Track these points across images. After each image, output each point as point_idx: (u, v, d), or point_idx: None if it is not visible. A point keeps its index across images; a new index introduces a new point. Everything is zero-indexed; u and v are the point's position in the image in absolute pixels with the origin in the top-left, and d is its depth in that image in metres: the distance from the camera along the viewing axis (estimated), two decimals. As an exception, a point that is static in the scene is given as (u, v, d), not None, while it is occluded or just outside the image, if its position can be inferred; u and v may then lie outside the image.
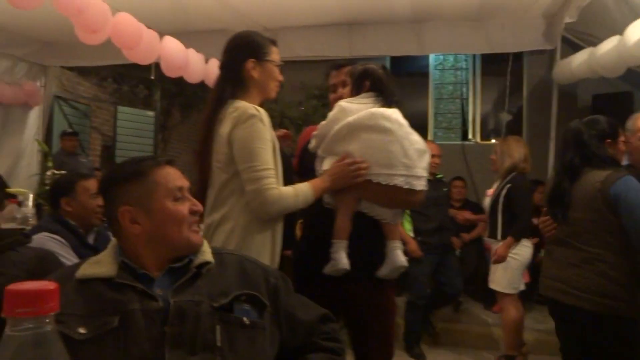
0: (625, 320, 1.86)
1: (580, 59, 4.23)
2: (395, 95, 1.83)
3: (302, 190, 1.60)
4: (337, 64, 2.08)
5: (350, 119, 1.73)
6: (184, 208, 1.10)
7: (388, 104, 1.79)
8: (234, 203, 1.57)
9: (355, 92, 1.84)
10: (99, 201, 2.19)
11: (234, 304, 1.06)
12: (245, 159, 1.53)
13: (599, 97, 4.79)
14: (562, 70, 4.71)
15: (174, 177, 1.12)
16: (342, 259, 1.70)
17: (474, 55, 6.08)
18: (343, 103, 1.80)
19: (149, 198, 1.08)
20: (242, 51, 1.71)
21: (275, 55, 1.77)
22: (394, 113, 1.74)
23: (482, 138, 6.16)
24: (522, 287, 3.28)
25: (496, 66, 5.71)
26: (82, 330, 0.96)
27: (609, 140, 2.02)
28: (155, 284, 1.06)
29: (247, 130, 1.54)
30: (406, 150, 1.69)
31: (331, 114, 1.81)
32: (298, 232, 2.09)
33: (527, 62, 5.61)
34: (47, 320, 0.57)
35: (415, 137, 1.75)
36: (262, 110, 1.59)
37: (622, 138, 2.07)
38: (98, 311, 0.99)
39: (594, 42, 4.26)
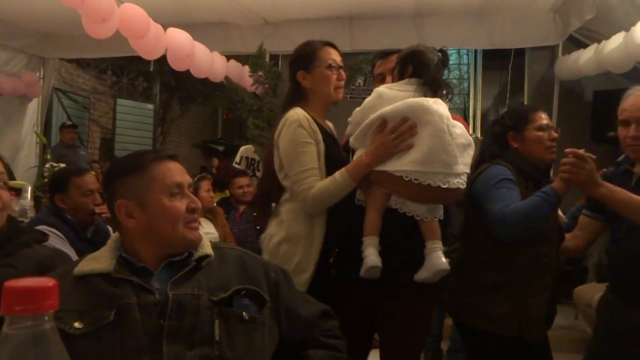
0: (479, 333, 1.69)
1: (586, 55, 4.22)
2: (442, 83, 1.64)
3: (336, 177, 1.61)
4: (384, 52, 1.94)
5: (386, 108, 1.58)
6: (181, 205, 1.09)
7: (432, 93, 1.61)
8: (284, 200, 1.73)
9: (399, 76, 1.66)
10: (93, 199, 2.19)
11: (233, 299, 1.06)
12: (288, 163, 1.66)
13: (600, 93, 4.77)
14: (564, 67, 4.70)
15: (173, 172, 1.10)
16: (371, 256, 1.55)
17: (475, 51, 6.06)
18: (381, 89, 1.64)
19: (145, 192, 1.07)
20: (293, 65, 1.79)
21: (325, 57, 1.76)
22: (435, 103, 1.56)
23: (483, 133, 6.15)
24: None
25: (497, 62, 5.69)
26: (78, 325, 0.96)
27: (511, 133, 1.77)
28: (154, 277, 1.05)
29: (288, 136, 1.65)
30: (446, 145, 1.52)
31: (367, 100, 1.64)
32: None
33: (529, 58, 5.59)
34: (46, 318, 0.56)
35: (458, 130, 1.56)
36: (303, 116, 1.66)
37: (532, 126, 1.77)
38: (94, 306, 0.99)
39: (597, 38, 4.24)
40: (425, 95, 1.59)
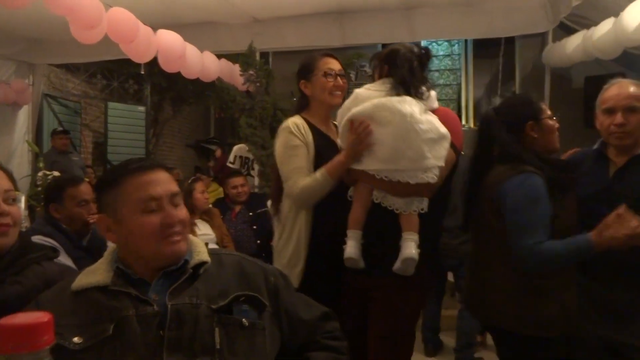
0: (520, 338, 1.62)
1: (574, 42, 4.22)
2: (415, 82, 1.67)
3: (316, 175, 1.75)
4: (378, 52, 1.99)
5: (355, 109, 1.66)
6: (155, 219, 1.04)
7: (406, 92, 1.65)
8: (283, 200, 1.91)
9: (378, 77, 1.74)
10: (88, 209, 2.18)
11: (232, 305, 1.05)
12: (280, 165, 1.87)
13: (591, 79, 4.78)
14: (554, 54, 4.70)
15: (145, 186, 1.06)
16: (349, 248, 1.66)
17: (466, 41, 6.05)
18: (358, 90, 1.72)
19: (119, 207, 1.06)
20: (297, 76, 1.96)
21: (322, 66, 1.89)
22: (400, 102, 1.61)
23: (475, 124, 6.15)
24: None
25: (488, 51, 5.69)
26: (77, 340, 0.95)
27: (530, 123, 1.71)
28: (151, 288, 1.04)
29: (279, 141, 1.87)
30: (411, 142, 1.58)
31: (346, 102, 1.75)
32: None
33: (519, 45, 5.59)
34: (43, 354, 0.55)
35: (425, 125, 1.60)
36: (293, 122, 1.85)
37: (545, 115, 1.75)
38: (93, 320, 0.98)
39: (586, 24, 4.24)
40: (398, 94, 1.64)
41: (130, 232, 1.05)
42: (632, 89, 1.74)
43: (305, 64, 1.94)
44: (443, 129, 1.64)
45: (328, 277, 1.80)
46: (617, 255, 1.57)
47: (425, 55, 1.73)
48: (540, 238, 1.51)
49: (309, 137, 1.84)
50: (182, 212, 1.09)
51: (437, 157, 1.62)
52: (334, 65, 1.91)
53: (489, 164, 1.71)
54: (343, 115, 1.72)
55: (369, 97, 1.67)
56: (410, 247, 1.62)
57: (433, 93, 1.75)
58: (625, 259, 1.62)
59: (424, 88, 1.69)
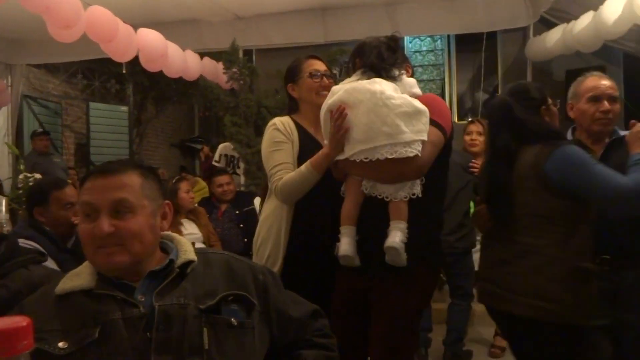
0: (567, 328, 1.56)
1: (554, 36, 4.27)
2: (386, 65, 1.65)
3: (301, 169, 1.75)
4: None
5: (330, 100, 1.66)
6: (88, 227, 1.01)
7: (377, 75, 1.64)
8: (267, 196, 1.92)
9: (353, 72, 1.73)
10: (73, 211, 2.15)
11: (221, 305, 1.04)
12: (265, 162, 1.88)
13: (572, 72, 4.84)
14: (535, 48, 4.76)
15: (89, 191, 1.02)
16: (343, 245, 1.63)
17: (448, 36, 6.09)
18: (334, 86, 1.72)
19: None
20: (285, 80, 1.99)
21: (308, 69, 1.92)
22: (370, 83, 1.59)
23: (459, 118, 6.19)
24: None
25: (471, 46, 5.73)
26: (62, 345, 0.93)
27: (544, 107, 1.73)
28: (137, 290, 1.02)
29: (265, 138, 1.89)
30: (384, 117, 1.54)
31: (326, 99, 1.72)
32: None
33: (501, 40, 5.64)
34: (22, 359, 0.53)
35: (397, 100, 1.55)
36: (279, 120, 1.88)
37: (550, 102, 1.78)
38: (78, 324, 0.96)
39: (566, 18, 4.30)
40: (369, 78, 1.64)
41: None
42: (609, 81, 1.88)
43: (291, 67, 1.97)
44: (419, 104, 1.58)
45: (307, 277, 1.74)
46: (622, 239, 1.67)
47: (392, 40, 1.71)
48: (619, 177, 1.52)
49: (295, 135, 1.85)
50: (124, 223, 1.00)
51: (415, 131, 1.55)
52: (319, 66, 1.93)
53: (517, 148, 1.67)
54: (323, 111, 1.72)
55: (341, 88, 1.67)
56: (394, 236, 1.57)
57: (412, 80, 1.71)
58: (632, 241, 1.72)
59: (395, 71, 1.66)
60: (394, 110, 1.55)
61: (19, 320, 0.54)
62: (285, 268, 1.77)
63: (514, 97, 1.73)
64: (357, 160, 1.60)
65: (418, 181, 1.62)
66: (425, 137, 1.56)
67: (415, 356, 3.01)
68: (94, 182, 1.03)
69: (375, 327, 1.67)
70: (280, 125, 1.85)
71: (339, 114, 1.60)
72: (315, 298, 1.55)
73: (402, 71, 1.68)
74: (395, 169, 1.57)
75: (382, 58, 1.66)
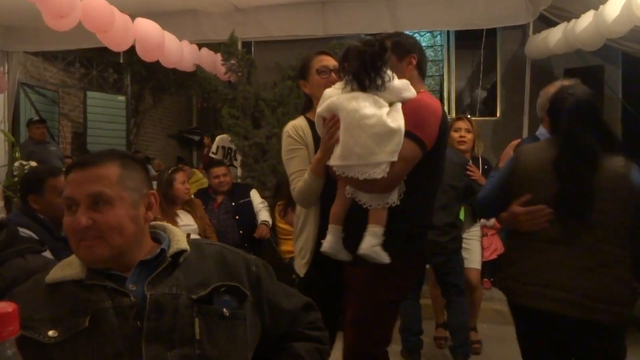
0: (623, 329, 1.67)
1: (556, 34, 4.27)
2: (374, 75, 1.65)
3: (305, 176, 1.84)
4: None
5: (319, 108, 1.75)
6: (69, 220, 1.01)
7: (360, 86, 1.66)
8: None
9: (343, 75, 1.74)
10: None
11: (213, 296, 1.04)
12: (285, 169, 1.97)
13: (570, 71, 4.85)
14: (535, 46, 4.75)
15: (69, 184, 1.02)
16: (325, 243, 1.75)
17: (448, 32, 6.07)
18: (327, 89, 1.77)
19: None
20: (298, 78, 2.07)
21: (316, 65, 1.96)
22: (348, 100, 1.64)
23: (457, 115, 6.19)
24: None
25: (470, 42, 5.72)
26: (52, 334, 0.94)
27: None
28: (128, 279, 1.02)
29: (282, 146, 1.97)
30: (356, 138, 1.60)
31: (318, 104, 1.81)
32: None
33: (501, 37, 5.63)
34: (8, 345, 0.53)
35: (371, 120, 1.59)
36: (292, 126, 1.95)
37: None
38: (68, 313, 0.97)
39: (567, 17, 4.29)
40: (353, 90, 1.67)
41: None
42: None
43: (302, 64, 2.04)
44: (393, 124, 1.60)
45: (331, 271, 1.84)
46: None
47: (379, 46, 1.69)
48: None
49: (309, 137, 1.91)
50: (102, 215, 1.00)
51: (387, 152, 1.60)
52: (328, 61, 1.96)
53: (600, 154, 1.64)
54: (316, 115, 1.81)
55: (331, 95, 1.72)
56: (365, 242, 1.66)
57: (401, 84, 1.69)
58: None
59: (379, 79, 1.65)
60: (367, 131, 1.60)
61: (4, 306, 0.54)
62: (313, 261, 1.89)
63: (595, 99, 1.73)
64: (337, 172, 1.70)
65: (396, 190, 1.68)
66: (392, 158, 1.60)
67: None
68: (74, 175, 1.03)
69: (347, 311, 1.81)
70: (293, 132, 1.92)
71: (333, 123, 1.69)
72: (339, 290, 1.83)
73: (388, 77, 1.66)
74: (365, 187, 1.66)
75: (366, 67, 1.65)
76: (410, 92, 1.70)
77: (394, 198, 1.67)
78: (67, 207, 1.01)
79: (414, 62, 1.80)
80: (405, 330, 3.01)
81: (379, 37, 1.76)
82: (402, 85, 1.69)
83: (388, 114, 1.62)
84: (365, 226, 1.69)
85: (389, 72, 1.67)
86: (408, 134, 1.62)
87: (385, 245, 1.66)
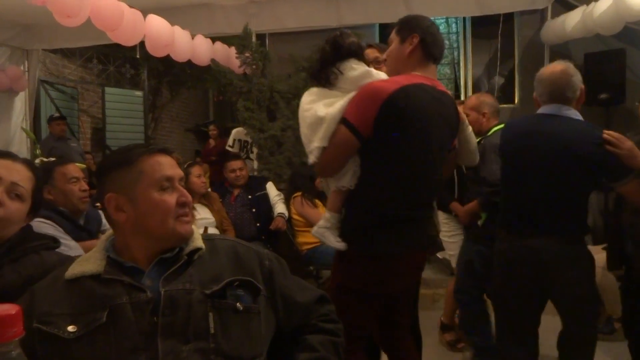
0: None
1: (574, 19, 4.17)
2: (328, 68, 1.77)
3: None
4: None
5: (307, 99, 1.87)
6: (170, 198, 1.07)
7: (317, 83, 1.82)
8: None
9: None
10: (80, 185, 2.19)
11: (226, 290, 1.05)
12: None
13: (591, 55, 4.73)
14: (552, 30, 4.65)
15: (163, 166, 1.09)
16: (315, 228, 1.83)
17: (464, 18, 5.98)
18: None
19: (134, 186, 1.07)
20: None
21: (370, 58, 2.06)
22: (304, 96, 1.82)
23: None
24: None
25: (487, 29, 5.62)
26: (71, 329, 0.96)
27: None
28: (145, 275, 1.05)
29: None
30: (300, 128, 1.79)
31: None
32: None
33: (518, 23, 5.52)
34: (12, 346, 0.55)
35: (308, 112, 1.75)
36: None
37: None
38: (87, 308, 0.99)
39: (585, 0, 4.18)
40: (312, 86, 1.84)
41: (147, 210, 1.06)
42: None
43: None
44: (321, 113, 1.71)
45: None
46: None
47: (330, 45, 1.79)
48: None
49: None
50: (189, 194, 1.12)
51: (318, 139, 1.71)
52: (371, 54, 2.09)
53: None
54: None
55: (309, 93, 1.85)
56: (317, 224, 1.80)
57: (360, 73, 1.74)
58: None
59: (329, 76, 1.77)
60: (305, 121, 1.77)
61: (8, 309, 0.55)
62: None
63: None
64: None
65: (347, 175, 1.73)
66: (322, 144, 1.70)
67: None
68: (164, 159, 1.12)
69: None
70: None
71: None
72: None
73: (335, 74, 1.76)
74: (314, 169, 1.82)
75: (321, 62, 1.81)
76: (368, 80, 1.73)
77: (344, 182, 1.73)
78: (163, 187, 1.08)
79: (416, 41, 1.75)
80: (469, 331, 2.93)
81: (337, 32, 1.84)
82: (359, 75, 1.75)
83: (332, 104, 1.72)
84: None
85: (346, 64, 1.76)
86: (341, 119, 1.68)
87: (341, 230, 1.76)
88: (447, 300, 3.23)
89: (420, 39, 1.75)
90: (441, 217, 3.01)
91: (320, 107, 1.73)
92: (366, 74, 1.74)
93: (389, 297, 1.86)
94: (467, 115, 2.80)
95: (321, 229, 1.77)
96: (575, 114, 2.04)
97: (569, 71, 2.05)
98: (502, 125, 2.74)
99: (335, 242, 1.74)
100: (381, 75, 1.78)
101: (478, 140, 2.76)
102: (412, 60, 1.76)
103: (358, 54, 1.80)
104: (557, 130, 1.98)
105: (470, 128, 1.99)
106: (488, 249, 2.76)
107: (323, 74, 1.78)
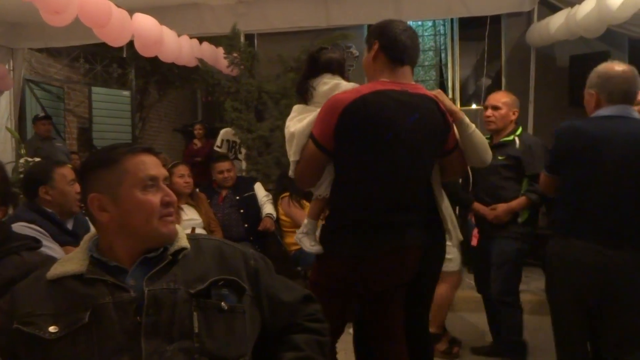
0: None
1: (557, 21, 4.22)
2: (306, 83, 1.90)
3: None
4: None
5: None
6: (154, 198, 1.06)
7: (301, 98, 1.93)
8: None
9: None
10: (77, 188, 2.17)
11: (211, 290, 1.05)
12: None
13: (576, 58, 4.78)
14: (537, 33, 4.70)
15: (147, 165, 1.08)
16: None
17: (452, 21, 6.02)
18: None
19: (118, 186, 1.06)
20: None
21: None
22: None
23: (462, 104, 6.15)
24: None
25: (474, 31, 5.66)
26: (53, 330, 0.95)
27: None
28: (129, 274, 1.04)
29: None
30: (286, 146, 1.90)
31: None
32: None
33: (505, 25, 5.56)
34: None
35: (286, 129, 1.86)
36: None
37: None
38: (69, 308, 0.98)
39: (571, 2, 4.24)
40: (297, 102, 1.95)
41: (130, 210, 1.05)
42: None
43: None
44: (292, 129, 1.83)
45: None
46: None
47: (307, 61, 1.94)
48: None
49: None
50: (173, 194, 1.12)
51: (291, 154, 1.83)
52: None
53: None
54: None
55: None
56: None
57: (329, 87, 1.85)
58: None
59: (307, 89, 1.89)
60: (286, 135, 1.88)
61: None
62: None
63: None
64: None
65: (324, 184, 1.83)
66: (294, 158, 1.82)
67: None
68: (148, 158, 1.11)
69: None
70: None
71: None
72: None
73: (309, 88, 1.89)
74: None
75: (301, 79, 1.95)
76: (336, 92, 1.79)
77: (320, 191, 1.85)
78: (147, 186, 1.06)
79: (376, 47, 1.77)
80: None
81: (317, 47, 1.97)
82: (329, 89, 1.85)
83: (303, 120, 1.82)
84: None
85: (319, 80, 1.88)
86: (310, 134, 1.77)
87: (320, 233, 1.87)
88: (437, 308, 2.95)
89: (380, 44, 1.77)
90: None
91: (293, 123, 1.84)
92: (335, 87, 1.82)
93: (367, 296, 1.88)
94: (496, 108, 2.79)
95: (300, 234, 1.89)
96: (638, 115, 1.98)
97: (635, 71, 1.98)
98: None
99: (309, 247, 1.85)
100: (349, 86, 1.83)
101: (507, 138, 2.75)
102: (377, 66, 1.78)
103: (332, 69, 1.89)
104: (633, 132, 1.88)
105: (473, 127, 1.89)
106: (528, 246, 2.80)
107: (303, 89, 1.91)
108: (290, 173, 1.86)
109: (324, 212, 1.94)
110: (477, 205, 2.85)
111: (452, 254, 2.97)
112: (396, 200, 1.75)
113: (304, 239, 1.87)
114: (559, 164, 2.06)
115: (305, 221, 1.90)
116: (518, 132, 2.80)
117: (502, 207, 2.75)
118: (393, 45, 1.75)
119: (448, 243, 2.98)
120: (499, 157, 2.74)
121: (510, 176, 2.76)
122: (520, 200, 2.74)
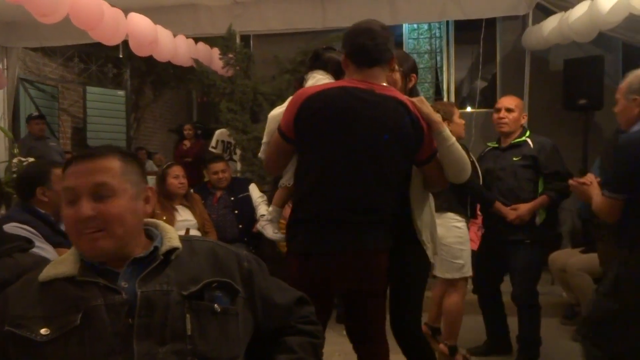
0: None
1: (551, 25, 4.25)
2: (302, 79, 2.02)
3: None
4: None
5: None
6: (71, 212, 1.01)
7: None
8: None
9: None
10: None
11: (204, 291, 1.04)
12: None
13: (570, 61, 4.82)
14: (533, 36, 4.73)
15: (69, 176, 1.02)
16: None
17: (447, 23, 6.03)
18: None
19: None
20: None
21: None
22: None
23: (457, 106, 6.15)
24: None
25: (469, 33, 5.68)
26: (44, 332, 0.94)
27: None
28: (120, 276, 1.03)
29: None
30: None
31: None
32: None
33: (500, 28, 5.59)
34: None
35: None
36: None
37: None
38: (61, 311, 0.97)
39: (565, 6, 4.27)
40: None
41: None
42: None
43: None
44: (269, 115, 1.98)
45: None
46: None
47: (322, 49, 2.05)
48: None
49: None
50: (105, 206, 1.00)
51: (264, 135, 1.96)
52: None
53: None
54: None
55: None
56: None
57: (310, 82, 1.95)
58: None
59: (302, 81, 2.01)
60: None
61: None
62: None
63: None
64: None
65: (288, 173, 1.92)
66: (265, 139, 1.94)
67: None
68: (74, 167, 1.03)
69: None
70: None
71: None
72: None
73: (308, 78, 2.00)
74: None
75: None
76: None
77: (284, 180, 1.94)
78: (68, 200, 1.01)
79: (343, 56, 1.83)
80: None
81: (324, 46, 2.11)
82: (312, 84, 1.94)
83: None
84: None
85: (310, 75, 2.00)
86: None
87: None
88: (453, 319, 2.93)
89: (346, 53, 1.81)
90: (454, 221, 2.78)
91: (276, 109, 1.96)
92: (316, 82, 1.93)
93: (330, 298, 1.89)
94: (510, 110, 2.82)
95: (263, 221, 1.94)
96: None
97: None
98: None
99: (272, 234, 1.94)
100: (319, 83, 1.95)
101: (519, 139, 2.75)
102: (349, 69, 1.82)
103: (328, 68, 1.99)
104: None
105: (452, 140, 1.80)
106: (547, 250, 2.86)
107: (300, 81, 2.03)
108: (260, 154, 1.94)
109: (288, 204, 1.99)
110: (498, 205, 2.83)
111: (464, 260, 2.85)
112: (352, 200, 1.70)
113: (267, 226, 1.93)
114: (628, 183, 1.86)
115: (270, 208, 1.97)
116: (527, 133, 2.88)
117: (524, 207, 2.77)
118: (355, 51, 1.77)
119: (462, 247, 2.87)
120: (514, 159, 2.82)
121: (527, 177, 2.81)
122: (542, 198, 2.78)
